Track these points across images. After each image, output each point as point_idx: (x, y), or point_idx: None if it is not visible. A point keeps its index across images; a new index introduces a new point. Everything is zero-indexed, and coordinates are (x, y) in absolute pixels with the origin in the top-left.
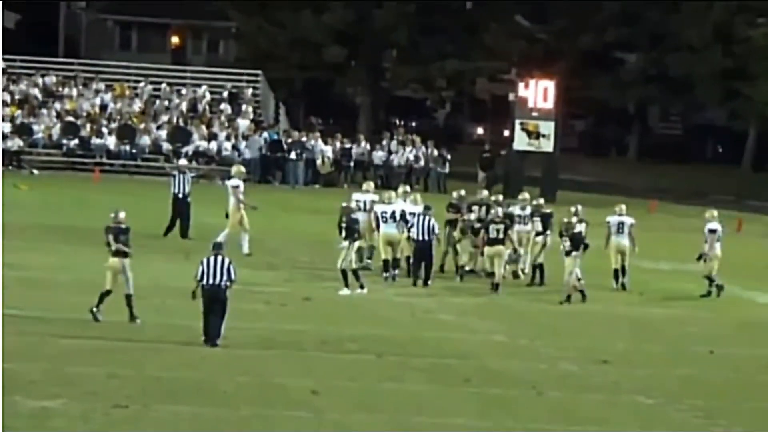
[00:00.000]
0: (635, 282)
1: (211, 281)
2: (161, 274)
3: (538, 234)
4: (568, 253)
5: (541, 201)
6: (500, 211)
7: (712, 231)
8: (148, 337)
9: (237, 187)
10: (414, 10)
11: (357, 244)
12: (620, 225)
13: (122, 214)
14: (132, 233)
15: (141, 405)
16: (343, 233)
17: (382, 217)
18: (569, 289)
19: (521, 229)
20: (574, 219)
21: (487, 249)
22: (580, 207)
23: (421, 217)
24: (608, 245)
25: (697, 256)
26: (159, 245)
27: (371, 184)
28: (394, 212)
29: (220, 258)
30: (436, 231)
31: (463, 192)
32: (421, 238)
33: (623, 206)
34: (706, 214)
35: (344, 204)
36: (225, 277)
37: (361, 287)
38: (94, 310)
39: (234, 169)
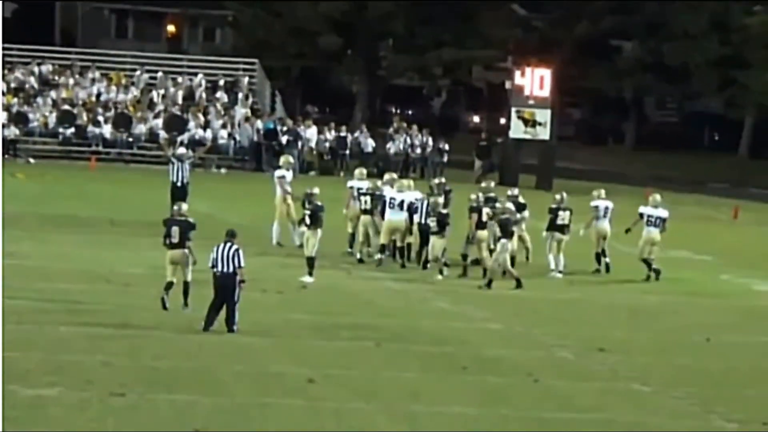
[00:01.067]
0: (632, 270)
1: (221, 268)
2: (158, 263)
3: None
4: (498, 239)
5: (516, 191)
6: (480, 196)
7: (641, 215)
8: (145, 326)
9: (283, 177)
10: (411, 2)
11: (320, 231)
12: (606, 209)
13: (185, 206)
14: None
15: (137, 393)
16: (307, 220)
17: (390, 203)
18: (491, 273)
19: None
20: (509, 204)
21: (478, 233)
22: (565, 195)
23: (424, 201)
24: (589, 229)
25: (625, 230)
26: (155, 234)
27: (364, 171)
28: (402, 201)
29: (229, 245)
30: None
31: (443, 179)
32: (423, 221)
33: (602, 191)
34: (650, 198)
35: (308, 190)
36: (233, 265)
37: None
38: (165, 298)
39: (282, 160)
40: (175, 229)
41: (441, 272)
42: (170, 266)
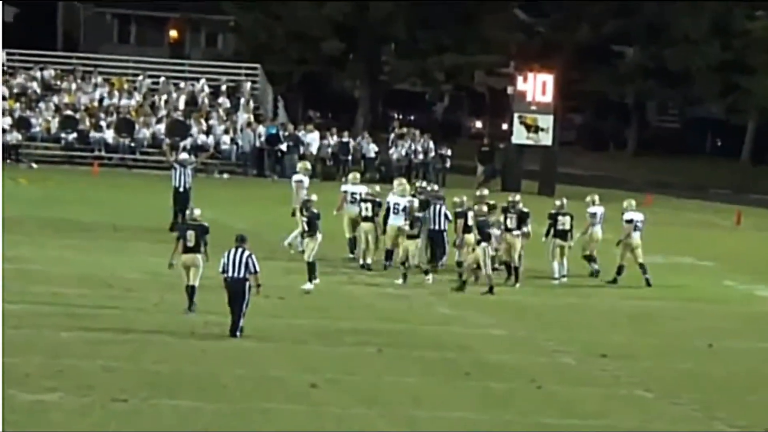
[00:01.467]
0: (632, 276)
1: (232, 274)
2: (160, 269)
3: (509, 230)
4: (478, 243)
5: (518, 197)
6: (465, 200)
7: (629, 221)
8: (146, 330)
9: (300, 182)
10: (412, 2)
11: (319, 237)
12: (602, 216)
13: (197, 211)
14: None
15: (139, 399)
16: (305, 228)
17: (394, 208)
18: (489, 280)
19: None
20: (485, 208)
21: (465, 237)
22: (565, 200)
23: (434, 206)
24: (585, 235)
25: (617, 242)
26: (157, 239)
27: (357, 176)
28: (406, 206)
29: (240, 251)
30: (450, 218)
31: (435, 186)
32: (434, 227)
33: (597, 196)
34: (624, 203)
35: (306, 198)
36: (244, 270)
37: (311, 279)
38: (187, 308)
39: (299, 165)
40: (190, 233)
41: (427, 272)
42: (184, 270)
